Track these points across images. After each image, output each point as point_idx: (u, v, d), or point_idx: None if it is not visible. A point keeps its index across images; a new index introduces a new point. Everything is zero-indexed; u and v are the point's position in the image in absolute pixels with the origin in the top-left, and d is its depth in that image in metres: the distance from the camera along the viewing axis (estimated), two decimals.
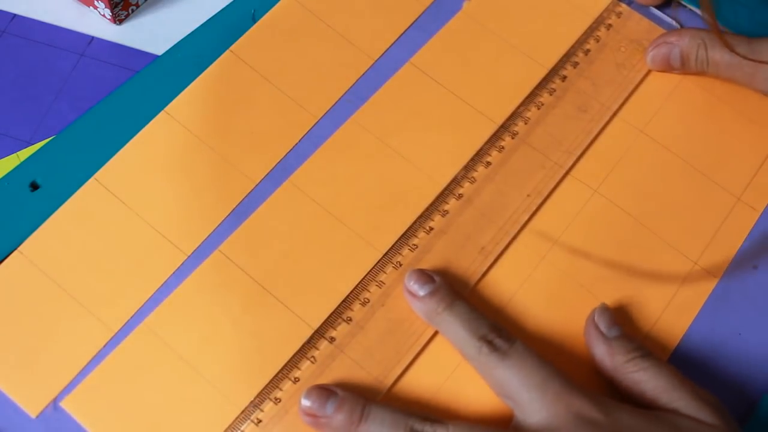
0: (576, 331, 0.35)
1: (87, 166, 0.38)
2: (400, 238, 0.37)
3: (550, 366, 0.32)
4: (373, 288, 0.36)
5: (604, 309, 0.35)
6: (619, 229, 0.38)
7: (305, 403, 0.32)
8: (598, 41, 0.42)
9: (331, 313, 0.35)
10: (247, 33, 0.41)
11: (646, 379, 0.32)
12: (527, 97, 0.41)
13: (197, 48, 0.41)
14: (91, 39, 0.44)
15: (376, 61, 0.41)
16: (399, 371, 0.34)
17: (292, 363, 0.34)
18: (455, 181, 0.38)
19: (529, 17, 0.43)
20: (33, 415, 0.33)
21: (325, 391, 0.32)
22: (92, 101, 0.41)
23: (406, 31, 0.42)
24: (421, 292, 0.34)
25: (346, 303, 0.35)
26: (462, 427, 0.30)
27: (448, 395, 0.34)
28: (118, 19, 0.44)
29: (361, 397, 0.32)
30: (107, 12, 0.43)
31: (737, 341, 0.36)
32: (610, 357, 0.33)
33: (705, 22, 0.39)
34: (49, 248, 0.36)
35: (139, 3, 0.44)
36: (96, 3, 0.43)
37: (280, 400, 0.33)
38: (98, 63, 0.43)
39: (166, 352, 0.34)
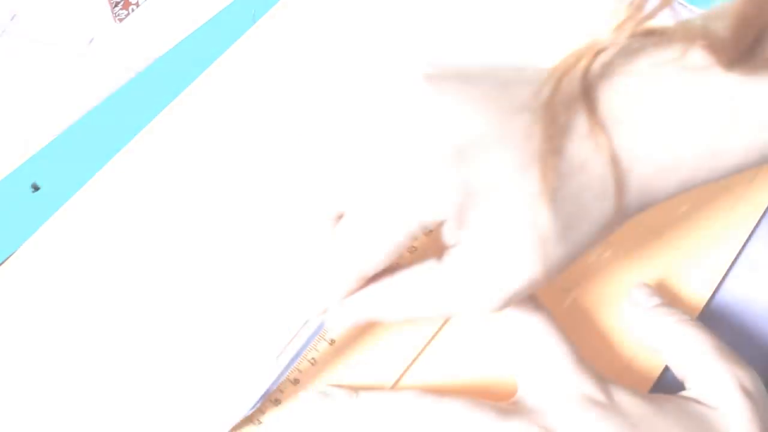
0: (572, 328, 0.35)
1: (87, 167, 0.38)
2: None
3: (569, 343, 0.32)
4: None
5: (641, 285, 0.35)
6: (620, 229, 0.38)
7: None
8: None
9: None
10: (247, 33, 0.41)
11: (685, 347, 0.32)
12: None
13: (197, 48, 0.41)
14: (91, 39, 0.44)
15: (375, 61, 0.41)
16: (399, 371, 0.34)
17: None
18: None
19: (529, 18, 0.43)
20: None
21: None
22: (92, 101, 0.41)
23: (405, 31, 0.42)
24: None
25: None
26: (457, 400, 0.31)
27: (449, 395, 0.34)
28: (118, 18, 0.44)
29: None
30: (107, 11, 0.43)
31: (739, 338, 0.36)
32: (651, 325, 0.33)
33: None
34: (50, 250, 0.36)
35: (139, 3, 0.44)
36: (96, 2, 0.43)
37: (280, 401, 0.33)
38: (98, 63, 0.43)
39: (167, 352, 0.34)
